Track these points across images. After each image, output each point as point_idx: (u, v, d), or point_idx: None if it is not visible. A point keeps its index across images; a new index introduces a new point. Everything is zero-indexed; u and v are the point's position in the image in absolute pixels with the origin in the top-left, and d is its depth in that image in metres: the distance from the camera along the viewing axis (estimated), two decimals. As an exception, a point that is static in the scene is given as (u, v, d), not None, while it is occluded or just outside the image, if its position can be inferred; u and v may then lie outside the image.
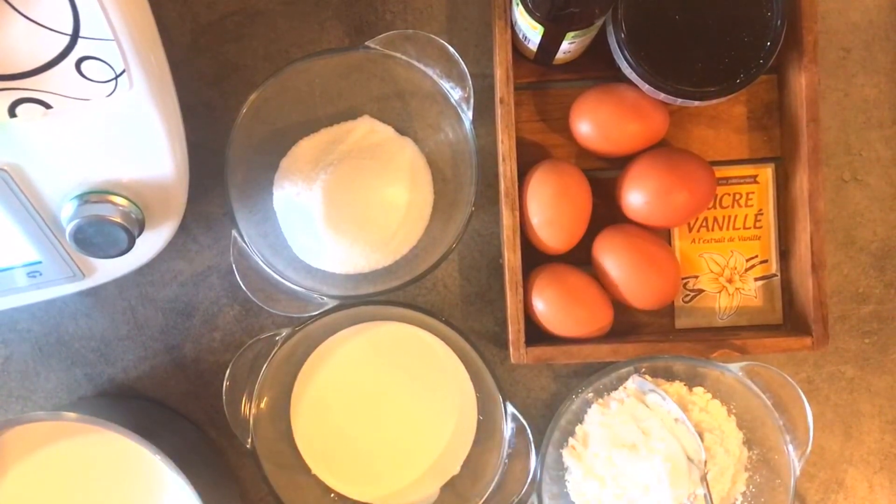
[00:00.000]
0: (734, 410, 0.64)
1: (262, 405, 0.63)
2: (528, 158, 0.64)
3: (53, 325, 0.69)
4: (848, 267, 0.68)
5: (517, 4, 0.58)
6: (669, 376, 0.65)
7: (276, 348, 0.61)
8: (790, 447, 0.61)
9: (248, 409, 0.62)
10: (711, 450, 0.63)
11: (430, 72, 0.60)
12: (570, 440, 0.65)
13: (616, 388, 0.65)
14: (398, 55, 0.60)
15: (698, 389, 0.64)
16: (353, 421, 0.67)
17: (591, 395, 0.65)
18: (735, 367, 0.61)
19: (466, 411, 0.67)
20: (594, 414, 0.64)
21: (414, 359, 0.67)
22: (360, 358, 0.67)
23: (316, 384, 0.67)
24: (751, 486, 0.65)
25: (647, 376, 0.64)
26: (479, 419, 0.67)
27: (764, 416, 0.62)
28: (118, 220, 0.55)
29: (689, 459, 0.62)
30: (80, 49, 0.48)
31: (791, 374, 0.68)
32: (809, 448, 0.61)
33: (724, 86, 0.59)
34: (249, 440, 0.62)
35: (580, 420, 0.65)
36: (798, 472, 0.61)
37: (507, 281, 0.62)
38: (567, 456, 0.65)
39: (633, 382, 0.64)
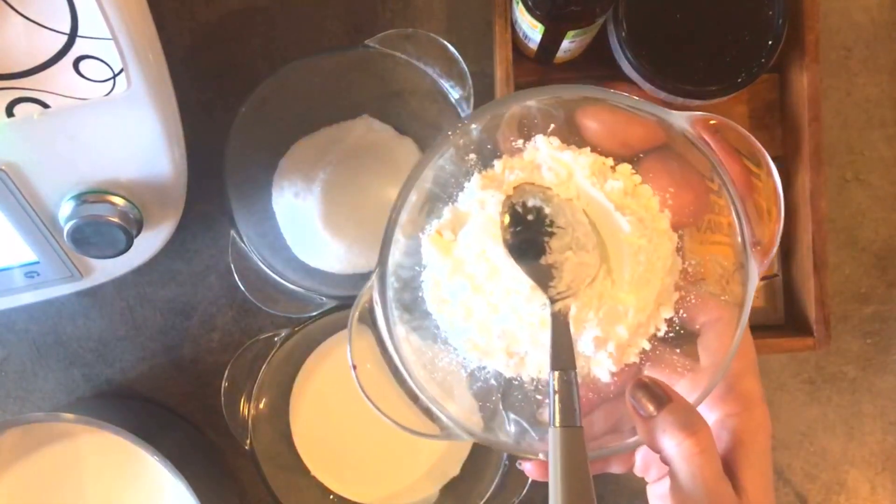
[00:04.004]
0: (670, 202, 0.47)
1: (261, 406, 0.63)
2: (529, 158, 0.64)
3: (51, 326, 0.68)
4: (850, 267, 0.67)
5: (517, 3, 0.58)
6: (585, 143, 0.47)
7: (274, 349, 0.61)
8: (745, 240, 0.44)
9: (247, 409, 0.62)
10: (641, 257, 0.45)
11: (429, 71, 0.59)
12: (435, 223, 0.46)
13: (512, 154, 0.47)
14: (398, 54, 0.59)
15: (624, 167, 0.47)
16: (352, 422, 0.67)
17: (471, 157, 0.46)
18: (682, 116, 0.43)
19: (466, 412, 0.67)
20: (474, 188, 0.46)
21: (414, 359, 0.66)
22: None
23: (315, 385, 0.67)
24: (681, 312, 0.46)
25: (555, 139, 0.46)
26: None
27: (715, 203, 0.45)
28: (116, 219, 0.55)
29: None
30: (78, 48, 0.48)
31: (793, 375, 0.68)
32: (775, 250, 0.44)
33: (726, 85, 0.59)
34: (248, 441, 0.62)
35: (452, 197, 0.46)
36: (755, 284, 0.43)
37: (507, 281, 0.62)
38: (428, 245, 0.46)
39: (538, 149, 0.47)
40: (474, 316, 0.45)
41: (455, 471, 0.66)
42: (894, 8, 0.66)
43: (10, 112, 0.49)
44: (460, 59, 0.59)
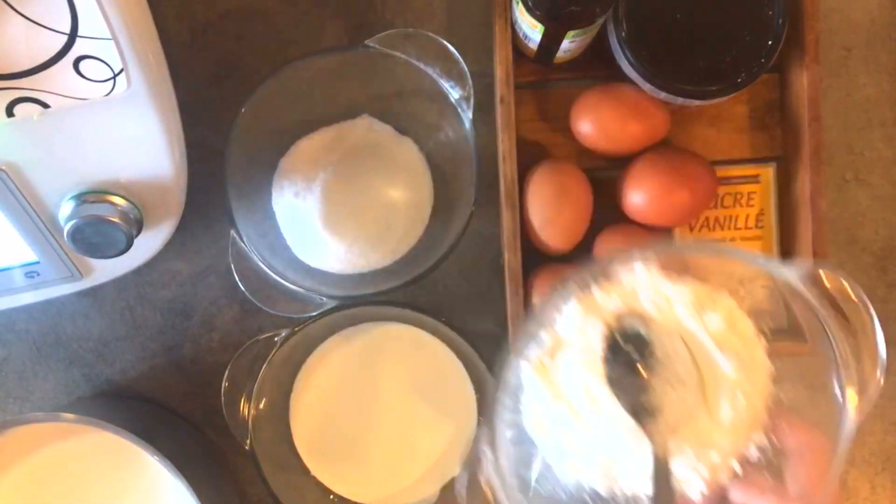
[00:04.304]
0: (765, 331, 0.47)
1: (261, 406, 0.63)
2: (529, 158, 0.64)
3: (51, 326, 0.68)
4: (850, 267, 0.67)
5: (517, 3, 0.58)
6: (686, 271, 0.47)
7: (275, 349, 0.61)
8: (841, 385, 0.43)
9: (247, 409, 0.62)
10: (739, 395, 0.45)
11: (429, 71, 0.59)
12: (533, 347, 0.46)
13: (611, 282, 0.47)
14: (398, 54, 0.59)
15: (724, 298, 0.47)
16: (352, 422, 0.67)
17: (573, 285, 0.47)
18: (796, 269, 0.44)
19: (466, 412, 0.67)
20: (572, 314, 0.46)
21: (413, 359, 0.67)
22: (359, 358, 0.67)
23: (315, 385, 0.67)
24: (772, 436, 0.46)
25: (654, 267, 0.46)
26: (478, 420, 0.67)
27: (812, 345, 0.45)
28: (116, 219, 0.55)
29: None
30: (78, 48, 0.48)
31: (792, 375, 0.68)
32: (876, 390, 0.43)
33: (726, 85, 0.58)
34: (248, 441, 0.62)
35: (550, 320, 0.46)
36: (853, 425, 0.42)
37: (507, 281, 0.62)
38: (528, 369, 0.46)
39: (637, 277, 0.47)
40: (572, 440, 0.46)
41: (455, 471, 0.66)
42: (894, 8, 0.66)
43: (10, 112, 0.49)
44: (460, 59, 0.59)
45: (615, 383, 0.45)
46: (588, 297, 0.46)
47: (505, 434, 0.45)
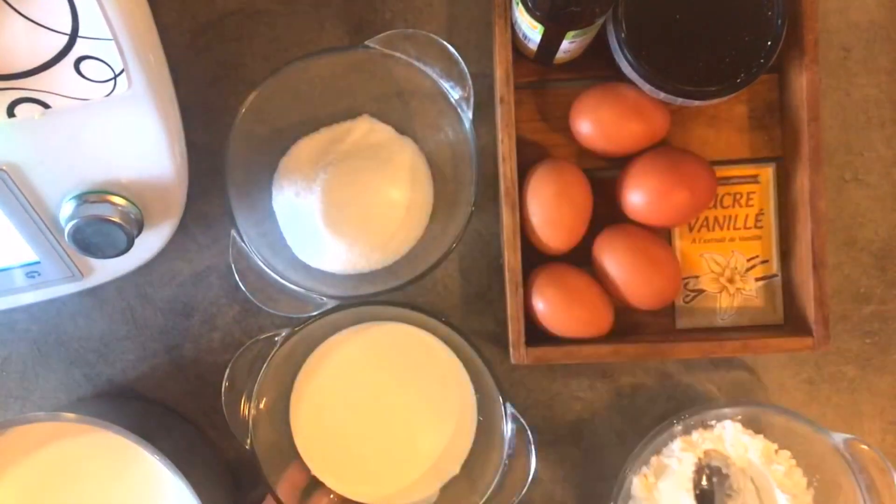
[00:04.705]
0: (815, 484, 0.63)
1: (262, 406, 0.63)
2: (528, 158, 0.64)
3: (52, 326, 0.68)
4: (849, 267, 0.67)
5: (517, 3, 0.58)
6: (761, 429, 0.64)
7: (275, 349, 0.61)
8: None
9: (248, 409, 0.62)
10: None
11: (429, 71, 0.59)
12: (644, 469, 0.64)
13: (706, 428, 0.64)
14: (398, 54, 0.59)
15: (785, 452, 0.64)
16: (352, 421, 0.67)
17: (679, 427, 0.63)
18: (840, 437, 0.60)
19: (466, 412, 0.67)
20: (675, 449, 0.64)
21: (414, 359, 0.67)
22: (359, 358, 0.67)
23: (315, 385, 0.67)
24: None
25: (738, 424, 0.63)
26: (478, 420, 0.67)
27: (848, 498, 0.61)
28: (117, 220, 0.55)
29: None
30: (79, 49, 0.48)
31: (792, 375, 0.68)
32: None
33: (725, 85, 0.59)
34: (248, 441, 0.62)
35: (658, 451, 0.64)
36: None
37: (507, 281, 0.62)
38: (637, 484, 0.63)
39: (725, 429, 0.64)
40: None
41: (455, 470, 0.67)
42: (893, 8, 0.66)
43: (11, 112, 0.49)
44: (460, 59, 0.59)
45: (700, 501, 0.62)
46: (688, 438, 0.63)
47: None
